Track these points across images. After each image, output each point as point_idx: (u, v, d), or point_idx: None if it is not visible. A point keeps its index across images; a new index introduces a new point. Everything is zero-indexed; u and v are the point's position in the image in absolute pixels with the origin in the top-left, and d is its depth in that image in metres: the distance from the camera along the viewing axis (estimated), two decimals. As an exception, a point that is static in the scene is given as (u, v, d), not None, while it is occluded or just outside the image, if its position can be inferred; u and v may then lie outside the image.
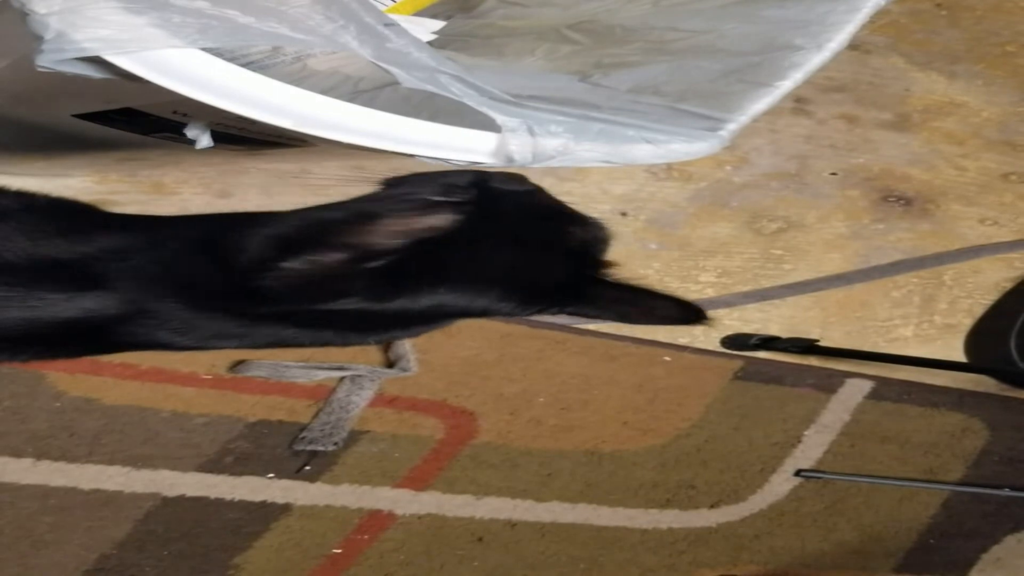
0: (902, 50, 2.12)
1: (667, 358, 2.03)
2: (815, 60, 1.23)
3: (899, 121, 2.14)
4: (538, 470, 2.02)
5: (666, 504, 2.19)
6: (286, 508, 1.82)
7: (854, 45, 2.05)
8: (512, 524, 2.04)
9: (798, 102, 2.02)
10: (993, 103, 2.25)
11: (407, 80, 0.93)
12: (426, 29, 1.48)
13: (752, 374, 2.16)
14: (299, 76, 1.05)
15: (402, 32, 0.94)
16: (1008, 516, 2.70)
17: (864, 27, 1.26)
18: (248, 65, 0.88)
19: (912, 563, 2.58)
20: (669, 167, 1.89)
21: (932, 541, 2.58)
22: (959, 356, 2.38)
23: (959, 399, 2.44)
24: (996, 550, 2.71)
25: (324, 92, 0.90)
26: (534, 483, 2.03)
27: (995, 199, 2.28)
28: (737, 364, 2.14)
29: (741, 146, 1.96)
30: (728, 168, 1.97)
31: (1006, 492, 2.49)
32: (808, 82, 1.24)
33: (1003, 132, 2.28)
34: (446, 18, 1.51)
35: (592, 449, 2.06)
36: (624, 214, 1.84)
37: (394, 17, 0.99)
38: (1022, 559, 2.76)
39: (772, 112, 1.25)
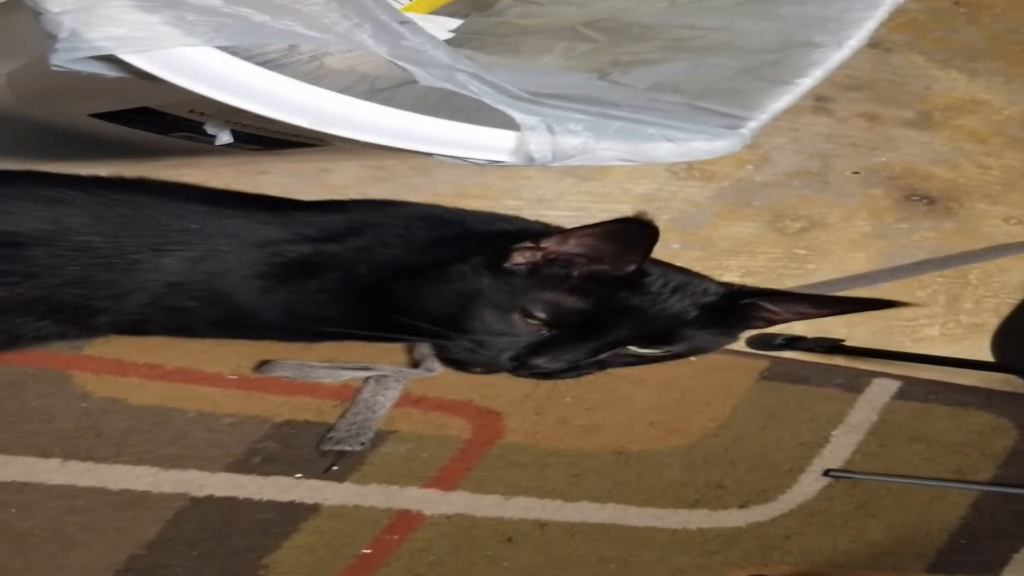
0: (922, 48, 2.12)
1: (692, 358, 2.04)
2: (835, 58, 1.23)
3: (920, 119, 2.14)
4: (566, 470, 2.02)
5: (695, 504, 2.19)
6: (315, 508, 1.83)
7: (873, 43, 2.05)
8: (541, 524, 2.04)
9: (818, 100, 2.02)
10: (1015, 101, 2.25)
11: (424, 78, 0.93)
12: (442, 27, 1.48)
13: (778, 374, 2.16)
14: (316, 75, 1.06)
15: (418, 30, 0.95)
16: (1040, 516, 2.69)
17: (883, 25, 1.26)
18: (264, 64, 0.88)
19: (944, 563, 2.57)
20: (690, 166, 1.89)
21: (963, 541, 2.57)
22: (986, 355, 2.37)
23: (987, 399, 2.43)
24: (1028, 550, 2.70)
25: (341, 91, 0.91)
26: (562, 483, 2.03)
27: (1019, 197, 2.27)
28: (763, 364, 2.14)
29: (762, 145, 1.96)
30: (750, 167, 1.97)
31: (1037, 492, 2.47)
32: (828, 80, 1.25)
33: (1026, 130, 2.28)
34: (463, 16, 1.52)
35: (619, 449, 2.06)
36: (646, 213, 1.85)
37: (410, 15, 0.99)
38: (1053, 559, 2.75)
39: (792, 110, 1.26)
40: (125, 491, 1.69)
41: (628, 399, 2.03)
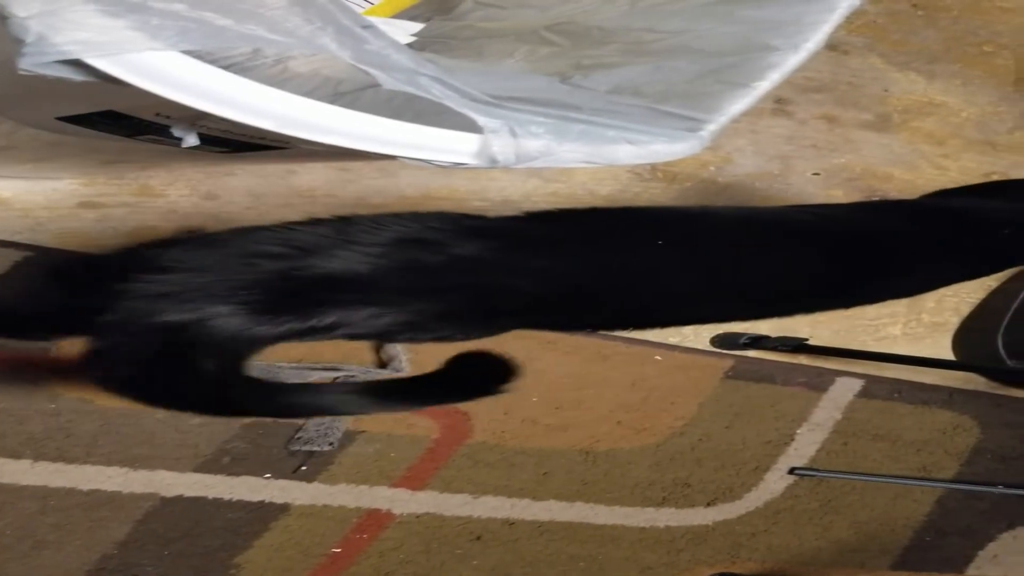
0: (880, 50, 2.13)
1: (658, 357, 2.05)
2: (792, 61, 1.25)
3: (879, 121, 2.16)
4: (534, 469, 2.03)
5: (662, 502, 2.20)
6: (284, 508, 1.84)
7: (832, 46, 2.07)
8: (510, 523, 2.05)
9: (778, 103, 2.03)
10: (972, 103, 2.27)
11: (387, 82, 0.94)
12: (405, 31, 1.49)
13: (743, 373, 2.18)
14: (280, 78, 1.07)
15: (380, 34, 0.96)
16: (1003, 513, 2.71)
17: (841, 28, 1.28)
18: (229, 67, 0.89)
19: (909, 560, 2.58)
20: (654, 168, 1.90)
21: (928, 539, 2.58)
22: (947, 354, 2.40)
23: (949, 397, 2.45)
24: (992, 547, 2.71)
25: (305, 94, 0.92)
26: (531, 482, 2.04)
27: (977, 199, 2.28)
28: (728, 363, 2.16)
29: (723, 146, 1.98)
30: (712, 168, 1.98)
31: (1000, 490, 2.49)
32: (787, 82, 1.26)
33: (982, 132, 2.29)
34: (425, 20, 1.53)
35: (587, 448, 2.08)
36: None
37: (372, 19, 1.01)
38: (1018, 556, 2.76)
39: (753, 112, 1.27)
40: (95, 491, 1.69)
41: (595, 399, 2.05)
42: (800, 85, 2.05)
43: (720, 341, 2.11)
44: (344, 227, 1.12)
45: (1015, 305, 2.35)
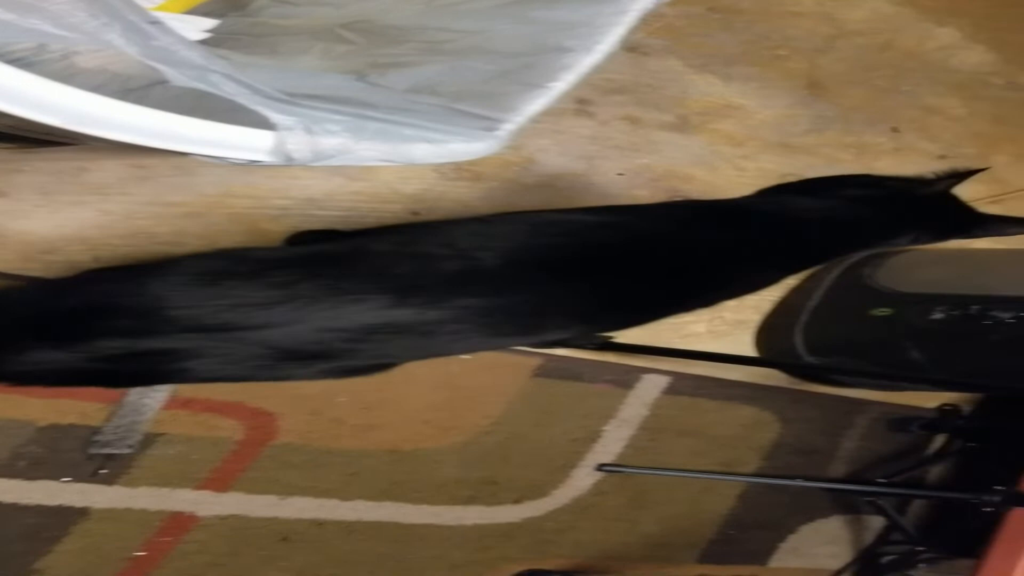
0: (679, 52, 2.17)
1: (465, 356, 2.06)
2: (585, 62, 1.26)
3: (680, 123, 2.19)
4: (342, 469, 2.03)
5: (470, 500, 2.21)
6: (84, 512, 1.80)
7: (631, 47, 2.10)
8: (318, 523, 2.04)
9: (580, 103, 2.05)
10: (768, 105, 2.33)
11: (176, 78, 0.94)
12: (198, 28, 1.47)
13: (550, 371, 2.20)
14: (66, 73, 1.05)
15: (168, 30, 0.94)
16: (803, 506, 2.79)
17: (640, 29, 1.30)
18: (13, 62, 0.87)
19: (714, 553, 2.64)
20: (458, 167, 1.90)
21: (732, 532, 2.65)
22: (749, 351, 2.46)
23: (751, 393, 2.52)
24: (793, 539, 2.79)
25: (93, 89, 0.91)
26: (338, 482, 2.04)
27: (775, 199, 2.33)
28: (535, 361, 2.17)
29: (527, 146, 1.99)
30: (516, 168, 1.99)
31: (799, 483, 2.54)
32: (588, 83, 1.28)
33: (779, 134, 2.35)
34: (219, 17, 1.51)
35: (394, 448, 2.08)
36: (416, 213, 1.86)
37: (161, 15, 0.99)
38: (818, 548, 2.84)
39: (555, 112, 1.29)
40: None
41: (403, 398, 2.05)
42: (601, 86, 2.08)
43: (527, 339, 2.13)
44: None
45: (812, 303, 2.41)
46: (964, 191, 1.78)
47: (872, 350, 2.38)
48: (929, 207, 1.78)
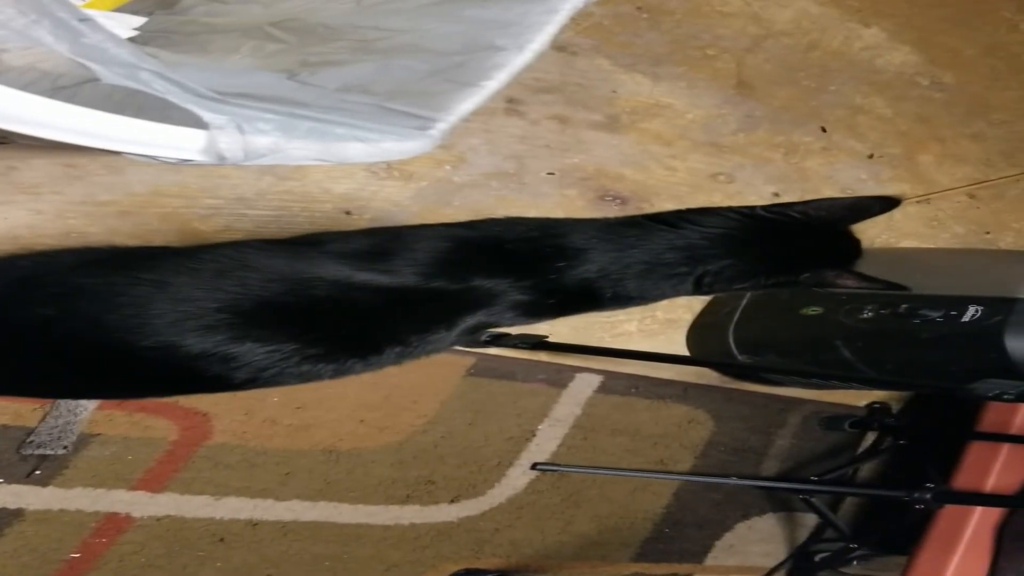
0: (607, 52, 2.18)
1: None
2: (517, 61, 1.27)
3: (609, 122, 2.20)
4: (276, 469, 2.03)
5: (406, 500, 2.22)
6: (18, 513, 1.80)
7: (560, 47, 2.12)
8: (253, 524, 2.04)
9: (510, 102, 2.06)
10: (697, 105, 2.34)
11: (107, 76, 0.94)
12: (127, 25, 1.47)
13: (484, 370, 2.21)
14: (-6, 72, 1.05)
15: (98, 27, 0.95)
16: (737, 504, 2.81)
17: (569, 29, 1.31)
18: (-61, 61, 0.88)
19: (649, 552, 2.66)
20: (389, 166, 1.90)
21: (667, 530, 2.66)
22: (682, 350, 2.47)
23: (684, 391, 2.54)
24: (728, 537, 2.81)
25: (21, 87, 0.90)
26: (273, 482, 2.04)
27: (705, 199, 2.35)
28: (469, 361, 2.18)
29: (457, 145, 1.99)
30: (447, 167, 1.99)
31: (733, 481, 2.55)
32: (518, 83, 1.29)
33: (708, 133, 2.37)
34: (147, 15, 1.50)
35: (330, 447, 2.08)
36: (348, 213, 1.86)
37: (91, 12, 1.00)
38: (753, 545, 2.87)
39: (485, 112, 1.29)
40: None
41: (337, 398, 2.05)
42: (530, 86, 2.09)
43: (461, 339, 2.14)
44: None
45: (743, 302, 2.44)
46: (892, 190, 1.77)
47: (803, 348, 2.39)
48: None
